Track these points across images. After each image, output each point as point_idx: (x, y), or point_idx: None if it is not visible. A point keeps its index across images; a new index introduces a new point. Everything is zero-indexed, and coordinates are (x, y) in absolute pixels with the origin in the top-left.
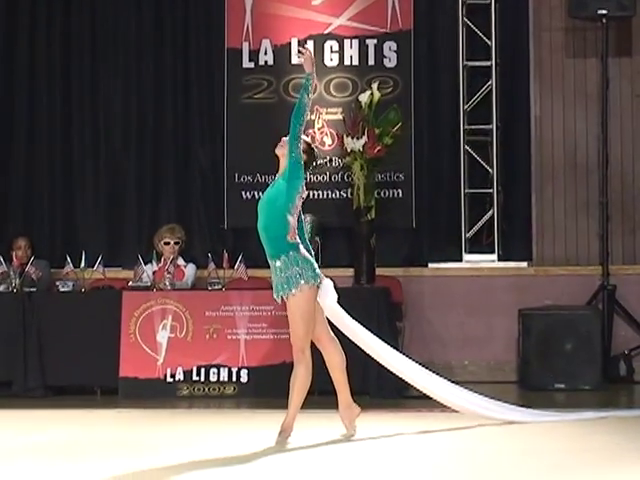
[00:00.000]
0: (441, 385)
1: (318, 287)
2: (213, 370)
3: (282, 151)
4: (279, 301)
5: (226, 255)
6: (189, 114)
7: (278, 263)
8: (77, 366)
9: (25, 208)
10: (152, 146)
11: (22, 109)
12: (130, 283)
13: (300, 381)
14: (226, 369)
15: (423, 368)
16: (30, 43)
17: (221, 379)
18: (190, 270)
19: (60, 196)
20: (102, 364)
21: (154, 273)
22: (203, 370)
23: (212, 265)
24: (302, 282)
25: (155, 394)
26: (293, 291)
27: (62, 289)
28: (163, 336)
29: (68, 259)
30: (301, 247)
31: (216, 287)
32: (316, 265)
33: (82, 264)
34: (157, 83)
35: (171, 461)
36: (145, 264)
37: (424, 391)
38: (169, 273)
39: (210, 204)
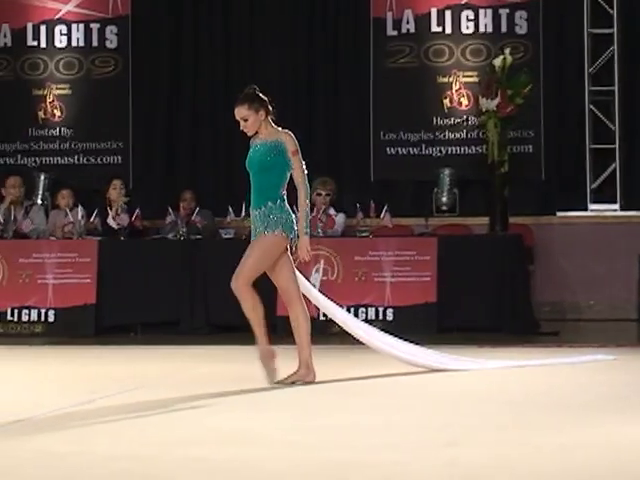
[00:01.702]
0: (375, 335)
1: (292, 241)
2: (362, 310)
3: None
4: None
5: (373, 205)
6: (339, 78)
7: (264, 209)
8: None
9: (191, 162)
10: (305, 107)
11: (189, 67)
12: None
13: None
14: (373, 309)
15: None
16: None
17: (368, 318)
18: (340, 219)
19: (222, 150)
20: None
21: None
22: (352, 310)
23: (360, 214)
24: (281, 230)
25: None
26: (269, 231)
27: (225, 236)
28: (316, 278)
29: (230, 209)
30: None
31: (364, 234)
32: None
33: (242, 213)
34: (310, 50)
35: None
36: None
37: (369, 344)
38: (321, 222)
39: (358, 159)
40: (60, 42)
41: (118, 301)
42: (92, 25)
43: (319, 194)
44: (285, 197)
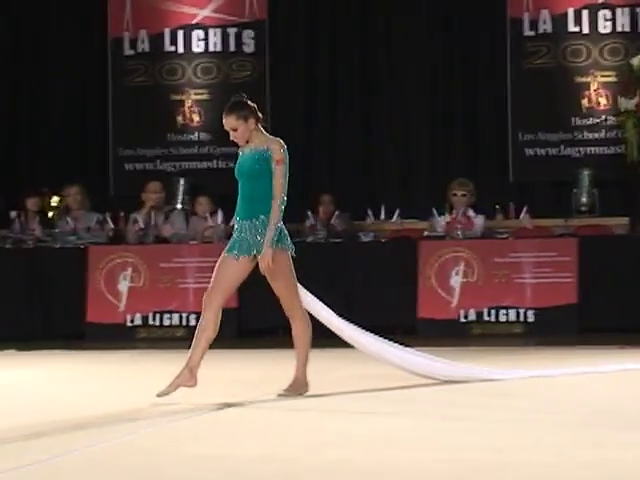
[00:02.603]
0: (390, 350)
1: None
2: (502, 311)
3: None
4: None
5: (512, 206)
6: (476, 80)
7: (255, 221)
8: (380, 308)
9: (329, 166)
10: (443, 108)
11: (325, 70)
12: (425, 233)
13: (298, 337)
14: (514, 310)
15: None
16: None
17: (509, 319)
18: (479, 220)
19: (361, 153)
20: (401, 306)
21: (447, 224)
22: (494, 311)
23: (499, 216)
24: (280, 244)
25: (449, 332)
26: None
27: (364, 239)
28: (456, 281)
29: (369, 212)
30: None
31: (503, 236)
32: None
33: (381, 216)
34: (447, 51)
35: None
36: (438, 215)
37: (384, 361)
38: (460, 223)
39: (496, 160)
40: (197, 47)
41: (260, 304)
42: (229, 30)
43: (454, 194)
44: None
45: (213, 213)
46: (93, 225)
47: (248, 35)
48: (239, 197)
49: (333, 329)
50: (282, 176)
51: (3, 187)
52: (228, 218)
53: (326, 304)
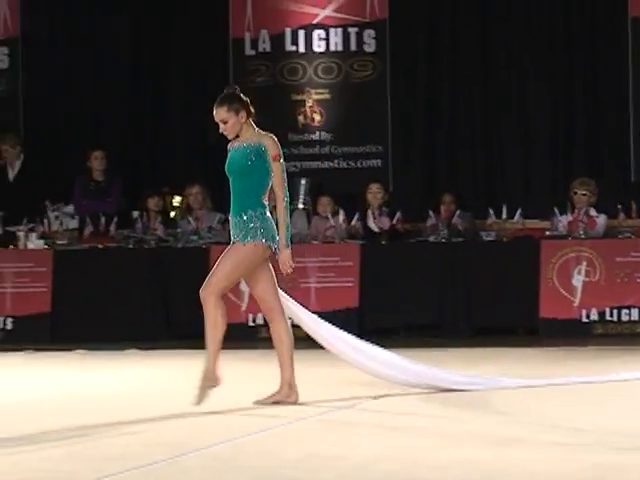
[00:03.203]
0: (375, 357)
1: (274, 252)
2: (625, 311)
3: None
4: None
5: (634, 206)
6: (597, 79)
7: (244, 217)
8: (500, 308)
9: (450, 165)
10: (563, 108)
11: (445, 69)
12: (547, 232)
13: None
14: (636, 310)
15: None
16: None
17: (632, 319)
18: (601, 220)
19: (482, 153)
20: (523, 306)
21: (569, 223)
22: (616, 311)
23: (622, 215)
24: (262, 239)
25: (571, 332)
26: (249, 241)
27: (486, 238)
28: (578, 280)
29: (490, 211)
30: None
31: (626, 235)
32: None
33: (503, 215)
34: (567, 53)
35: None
36: (560, 215)
37: (357, 366)
38: (582, 223)
39: (617, 159)
40: (318, 47)
41: (380, 304)
42: (350, 29)
43: (576, 193)
44: (267, 205)
45: (335, 213)
46: (215, 225)
47: (369, 35)
48: (231, 194)
49: (314, 335)
50: (281, 172)
51: (125, 188)
52: (350, 218)
53: (447, 303)
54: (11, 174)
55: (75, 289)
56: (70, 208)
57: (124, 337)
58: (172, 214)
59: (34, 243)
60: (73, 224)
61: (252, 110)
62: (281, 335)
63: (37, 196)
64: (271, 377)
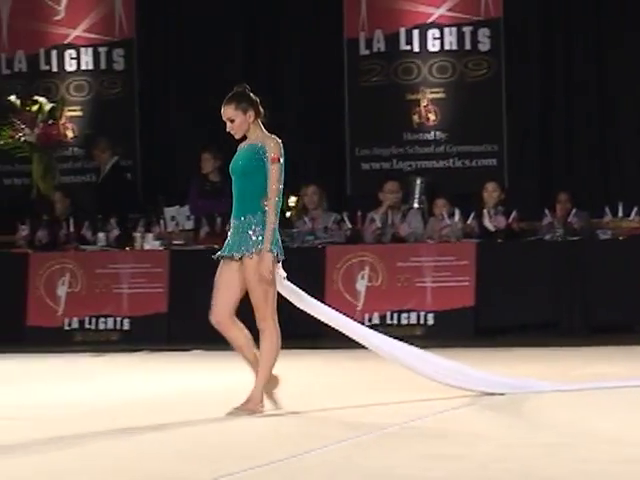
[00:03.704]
0: (402, 350)
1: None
2: None
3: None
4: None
5: None
6: None
7: (243, 220)
8: (618, 307)
9: (566, 163)
10: None
11: (559, 68)
12: None
13: (265, 352)
14: None
15: (381, 334)
16: None
17: None
18: None
19: (597, 152)
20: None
21: None
22: None
23: None
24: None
25: None
26: (250, 253)
27: (602, 237)
28: None
29: (606, 210)
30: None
31: None
32: (279, 237)
33: (619, 214)
34: None
35: None
36: None
37: (387, 357)
38: None
39: None
40: (433, 46)
41: (497, 303)
42: (464, 28)
43: None
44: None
45: (451, 214)
46: (330, 225)
47: (483, 33)
48: (233, 195)
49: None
50: (277, 176)
51: None
52: (465, 217)
53: (563, 302)
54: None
55: (191, 289)
56: (186, 209)
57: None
58: (288, 214)
59: (150, 244)
60: (189, 225)
61: (261, 110)
62: (265, 342)
63: (153, 197)
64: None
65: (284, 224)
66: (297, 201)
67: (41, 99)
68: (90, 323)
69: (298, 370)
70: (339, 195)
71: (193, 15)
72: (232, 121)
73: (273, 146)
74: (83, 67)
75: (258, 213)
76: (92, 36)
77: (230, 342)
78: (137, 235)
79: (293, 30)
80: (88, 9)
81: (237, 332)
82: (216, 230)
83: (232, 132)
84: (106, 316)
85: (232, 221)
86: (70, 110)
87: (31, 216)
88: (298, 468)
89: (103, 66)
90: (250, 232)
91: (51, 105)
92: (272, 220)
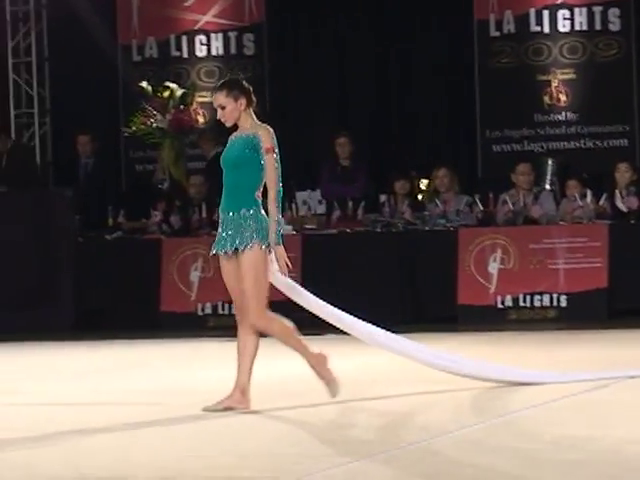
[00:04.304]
0: (400, 343)
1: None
2: None
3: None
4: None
5: None
6: None
7: (236, 215)
8: None
9: None
10: None
11: None
12: None
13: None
14: None
15: (381, 330)
16: None
17: None
18: None
19: None
20: None
21: None
22: None
23: None
24: (257, 242)
25: None
26: (245, 247)
27: None
28: None
29: None
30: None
31: None
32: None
33: None
34: None
35: None
36: None
37: (387, 350)
38: None
39: None
40: (563, 27)
41: (631, 285)
42: (594, 8)
43: None
44: (260, 202)
45: (583, 195)
46: (462, 207)
47: (614, 14)
48: (223, 188)
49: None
50: (273, 165)
51: (372, 171)
52: (597, 197)
53: None
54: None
55: (323, 273)
56: (317, 193)
57: (372, 321)
58: (419, 197)
59: (283, 228)
60: (321, 209)
61: (253, 99)
62: (246, 342)
63: (286, 183)
64: None
65: (416, 207)
66: (429, 184)
67: (172, 85)
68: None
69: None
70: (470, 177)
71: None
72: (223, 108)
73: (266, 136)
74: (213, 52)
75: (252, 208)
76: (222, 21)
77: (276, 337)
78: None
79: (423, 12)
80: None
81: (278, 326)
82: (348, 214)
83: (222, 119)
84: None
85: (222, 215)
86: (201, 96)
87: (164, 202)
88: (432, 451)
89: (233, 51)
90: (245, 226)
91: (182, 91)
92: (275, 212)
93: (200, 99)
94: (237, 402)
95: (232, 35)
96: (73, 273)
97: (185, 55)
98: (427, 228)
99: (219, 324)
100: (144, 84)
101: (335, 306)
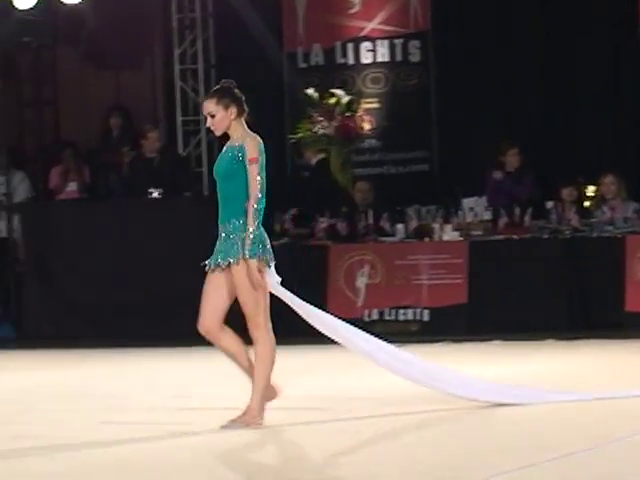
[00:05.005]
0: (398, 357)
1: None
2: None
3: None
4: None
5: None
6: None
7: (228, 226)
8: None
9: None
10: None
11: None
12: None
13: (260, 361)
14: None
15: (380, 341)
16: None
17: None
18: None
19: None
20: None
21: None
22: None
23: None
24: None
25: None
26: (236, 260)
27: None
28: None
29: None
30: None
31: None
32: (267, 240)
33: None
34: None
35: None
36: None
37: (379, 365)
38: None
39: None
40: None
41: None
42: None
43: None
44: None
45: None
46: (630, 214)
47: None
48: (219, 200)
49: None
50: (255, 176)
51: (539, 178)
52: None
53: None
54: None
55: (491, 280)
56: (484, 199)
57: (538, 327)
58: (586, 204)
59: (449, 235)
60: (487, 215)
61: (245, 109)
62: (262, 357)
63: (450, 188)
64: None
65: (583, 214)
66: (595, 191)
67: (338, 92)
68: (390, 314)
69: None
70: (639, 184)
71: (487, 5)
72: (212, 116)
73: (252, 146)
74: (379, 59)
75: (242, 217)
76: (388, 28)
77: (222, 351)
78: (435, 226)
79: (584, 17)
80: (383, 1)
81: (228, 340)
82: (514, 220)
83: (212, 128)
84: (406, 307)
85: (219, 226)
86: (366, 102)
87: (330, 208)
88: (602, 459)
89: (399, 58)
90: (235, 237)
91: (348, 98)
92: (251, 223)
93: (366, 106)
94: (252, 418)
95: (398, 42)
96: None
97: (351, 62)
98: (594, 235)
99: (386, 330)
100: (310, 91)
101: (504, 313)
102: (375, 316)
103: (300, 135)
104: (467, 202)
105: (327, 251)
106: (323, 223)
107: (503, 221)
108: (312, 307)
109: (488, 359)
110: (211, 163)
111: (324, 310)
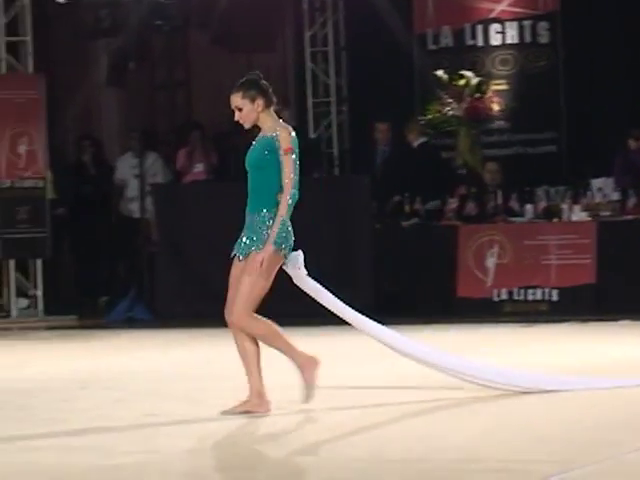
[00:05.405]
0: (420, 350)
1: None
2: None
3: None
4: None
5: None
6: None
7: (257, 216)
8: None
9: None
10: None
11: None
12: None
13: (250, 350)
14: None
15: (401, 335)
16: None
17: None
18: None
19: None
20: None
21: None
22: None
23: None
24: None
25: None
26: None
27: None
28: None
29: None
30: None
31: None
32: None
33: None
34: None
35: None
36: None
37: (407, 357)
38: None
39: None
40: None
41: None
42: None
43: None
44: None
45: None
46: None
47: None
48: (248, 189)
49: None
50: (290, 167)
51: None
52: None
53: None
54: None
55: (619, 260)
56: (612, 180)
57: None
58: None
59: (578, 215)
60: (616, 196)
61: (273, 99)
62: (244, 344)
63: (579, 168)
64: None
65: None
66: None
67: (468, 73)
68: (519, 294)
69: None
70: None
71: None
72: (240, 110)
73: (285, 137)
74: (508, 41)
75: (273, 209)
76: (517, 10)
77: (257, 337)
78: (564, 207)
79: None
80: None
81: (260, 326)
82: None
83: (240, 121)
84: (535, 287)
85: (247, 216)
86: (496, 84)
87: (461, 188)
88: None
89: (528, 39)
90: (265, 228)
91: (478, 79)
92: (282, 213)
93: (495, 87)
94: (256, 406)
95: (527, 24)
96: (372, 258)
97: (480, 43)
98: None
99: (515, 310)
100: (439, 73)
101: (632, 293)
102: (504, 296)
103: (430, 116)
104: (596, 182)
105: (457, 231)
106: (453, 203)
107: (632, 202)
108: (339, 301)
109: (614, 339)
110: (342, 145)
111: (452, 290)
